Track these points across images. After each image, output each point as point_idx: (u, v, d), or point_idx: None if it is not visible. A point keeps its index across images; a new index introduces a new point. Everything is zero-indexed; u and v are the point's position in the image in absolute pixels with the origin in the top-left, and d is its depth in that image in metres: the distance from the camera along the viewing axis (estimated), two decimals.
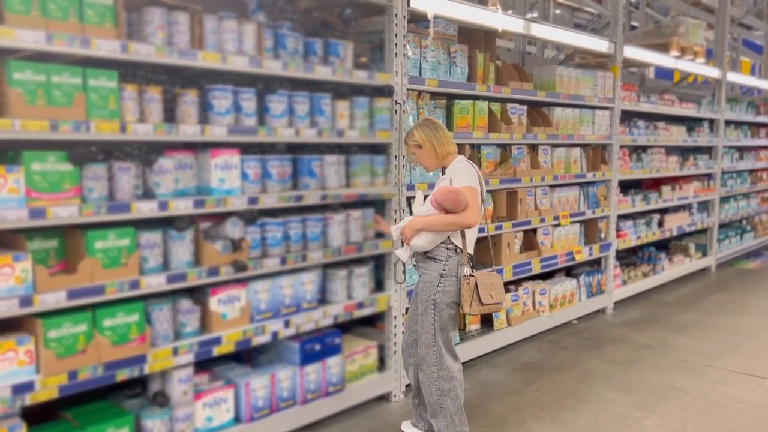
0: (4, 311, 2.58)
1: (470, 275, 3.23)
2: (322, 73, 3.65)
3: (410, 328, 3.54)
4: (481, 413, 3.99)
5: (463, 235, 3.28)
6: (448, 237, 3.27)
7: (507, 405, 4.13)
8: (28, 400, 2.66)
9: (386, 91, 4.00)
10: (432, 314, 3.25)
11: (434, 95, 4.46)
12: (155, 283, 3.03)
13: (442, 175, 3.39)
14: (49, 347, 2.71)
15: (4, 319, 2.66)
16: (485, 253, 5.05)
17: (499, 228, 4.92)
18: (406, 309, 4.23)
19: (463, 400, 3.37)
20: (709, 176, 8.40)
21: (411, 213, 3.63)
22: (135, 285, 2.96)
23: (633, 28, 10.12)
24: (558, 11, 10.85)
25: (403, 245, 3.40)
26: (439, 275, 3.24)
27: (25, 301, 2.63)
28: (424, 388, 3.34)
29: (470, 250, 3.32)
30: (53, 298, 2.70)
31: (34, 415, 2.84)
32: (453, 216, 3.17)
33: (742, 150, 9.39)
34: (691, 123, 8.05)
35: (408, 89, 4.14)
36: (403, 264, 4.11)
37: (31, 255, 2.68)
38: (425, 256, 3.30)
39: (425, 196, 3.43)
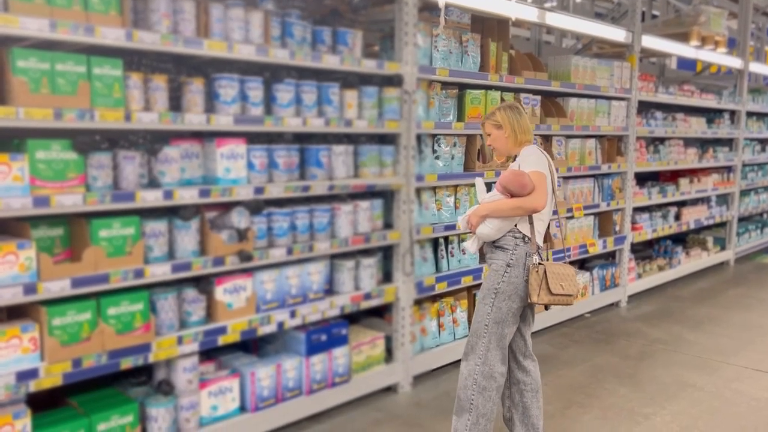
0: (9, 299, 2.60)
1: (539, 263, 3.09)
2: (330, 62, 3.61)
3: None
4: None
5: (531, 223, 3.13)
6: (516, 225, 3.12)
7: None
8: (33, 387, 2.68)
9: (396, 81, 3.95)
10: (490, 303, 3.10)
11: (445, 85, 4.40)
12: (160, 272, 3.04)
13: (512, 163, 3.25)
14: (53, 335, 2.72)
15: (8, 306, 2.69)
16: None
17: None
18: (414, 300, 4.20)
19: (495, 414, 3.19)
20: (729, 168, 8.24)
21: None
22: (139, 274, 2.96)
23: (654, 17, 9.92)
24: (579, 0, 10.66)
25: (470, 236, 3.27)
26: (506, 264, 3.09)
27: (29, 289, 2.64)
28: (461, 380, 3.17)
29: (539, 240, 3.17)
30: (57, 286, 2.72)
31: (39, 401, 2.86)
32: (519, 200, 3.03)
33: (764, 142, 9.19)
34: (711, 114, 7.88)
35: (418, 79, 4.09)
36: (411, 256, 4.08)
37: (35, 243, 2.69)
38: (493, 245, 3.17)
39: (488, 185, 3.32)
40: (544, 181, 3.07)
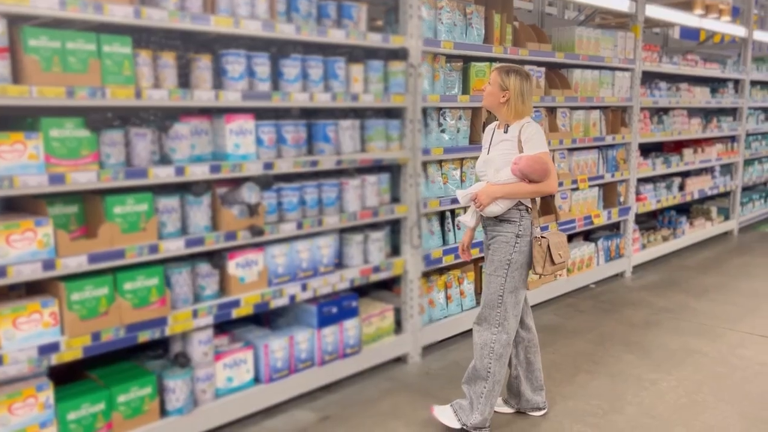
0: (28, 274, 2.65)
1: (542, 236, 3.23)
2: (335, 36, 3.62)
3: None
4: None
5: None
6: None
7: None
8: (54, 360, 2.75)
9: (401, 54, 3.96)
10: (504, 274, 3.21)
11: (450, 58, 4.40)
12: (174, 247, 3.09)
13: (504, 132, 3.24)
14: (72, 309, 2.78)
15: (28, 282, 2.74)
16: None
17: None
18: (422, 273, 4.25)
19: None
20: (732, 138, 8.24)
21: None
22: (154, 249, 3.01)
23: None
24: None
25: (467, 210, 3.36)
26: (515, 236, 3.21)
27: (48, 265, 2.70)
28: (477, 349, 3.27)
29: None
30: (75, 262, 2.77)
31: (60, 374, 2.93)
32: (537, 186, 3.14)
33: None
34: (715, 84, 7.87)
35: (423, 52, 4.09)
36: (419, 229, 4.12)
37: (52, 220, 2.74)
38: (496, 218, 3.26)
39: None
40: (551, 160, 3.19)
